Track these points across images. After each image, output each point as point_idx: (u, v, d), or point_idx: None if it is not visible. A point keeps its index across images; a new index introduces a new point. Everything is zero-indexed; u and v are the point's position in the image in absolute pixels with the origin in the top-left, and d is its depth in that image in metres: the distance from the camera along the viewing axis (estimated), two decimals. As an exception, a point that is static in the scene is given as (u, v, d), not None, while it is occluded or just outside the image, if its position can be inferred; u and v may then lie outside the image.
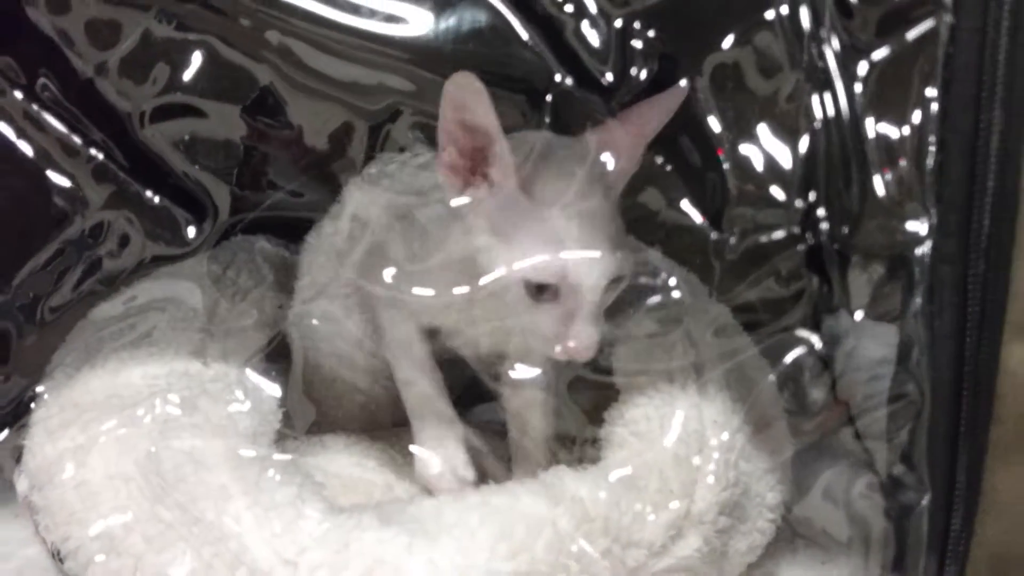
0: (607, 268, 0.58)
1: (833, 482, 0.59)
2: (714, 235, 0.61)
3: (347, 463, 0.71)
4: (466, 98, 0.57)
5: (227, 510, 0.56)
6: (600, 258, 0.58)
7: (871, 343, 0.63)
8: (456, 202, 0.61)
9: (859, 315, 0.57)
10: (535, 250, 0.58)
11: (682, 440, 0.61)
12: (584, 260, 0.58)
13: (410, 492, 0.68)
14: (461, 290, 0.63)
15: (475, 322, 0.67)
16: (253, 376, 0.68)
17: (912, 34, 0.53)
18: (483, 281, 0.60)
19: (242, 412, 0.64)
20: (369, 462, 0.71)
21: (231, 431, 0.61)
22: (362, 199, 0.71)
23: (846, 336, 0.64)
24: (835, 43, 0.56)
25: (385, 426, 0.75)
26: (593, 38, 0.63)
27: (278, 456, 0.62)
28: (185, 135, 0.72)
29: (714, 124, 0.61)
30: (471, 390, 0.72)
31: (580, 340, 0.58)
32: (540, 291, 0.59)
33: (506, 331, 0.66)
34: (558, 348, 0.58)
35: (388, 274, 0.67)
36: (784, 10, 0.58)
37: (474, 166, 0.60)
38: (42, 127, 0.70)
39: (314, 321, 0.73)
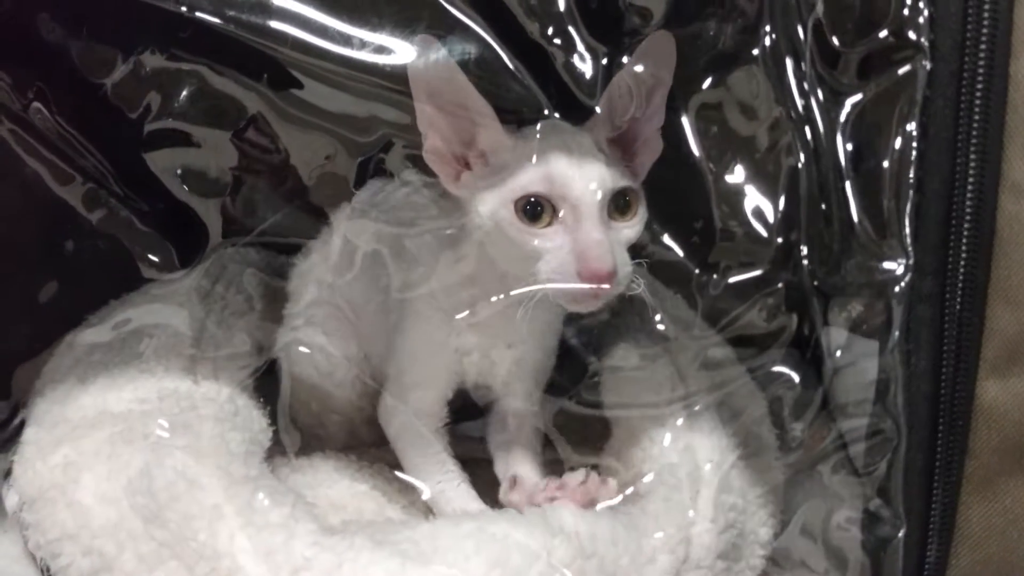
0: (598, 174, 0.57)
1: (811, 515, 0.60)
2: (697, 271, 0.62)
3: (338, 484, 0.71)
4: (438, 81, 0.58)
5: (220, 530, 0.56)
6: (588, 165, 0.57)
7: (858, 366, 0.62)
8: (453, 189, 0.61)
9: (838, 354, 0.58)
10: (523, 175, 0.58)
11: (677, 486, 0.60)
12: (572, 166, 0.57)
13: (401, 514, 0.68)
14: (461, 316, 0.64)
15: (468, 351, 0.67)
16: (243, 396, 0.68)
17: (892, 77, 0.54)
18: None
19: (234, 432, 0.64)
20: (360, 484, 0.71)
21: (223, 450, 0.61)
22: (352, 227, 0.71)
23: (836, 353, 0.64)
24: (817, 84, 0.57)
25: (368, 444, 0.75)
26: (584, 70, 0.64)
27: (269, 477, 0.62)
28: (177, 165, 0.72)
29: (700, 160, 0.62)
30: (459, 408, 0.72)
31: (591, 252, 0.55)
32: (536, 216, 0.57)
33: (492, 361, 0.67)
34: (575, 272, 0.56)
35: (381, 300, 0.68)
36: (767, 51, 0.59)
37: (462, 154, 0.60)
38: (35, 152, 0.70)
39: (301, 348, 0.73)
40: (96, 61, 0.69)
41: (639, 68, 0.58)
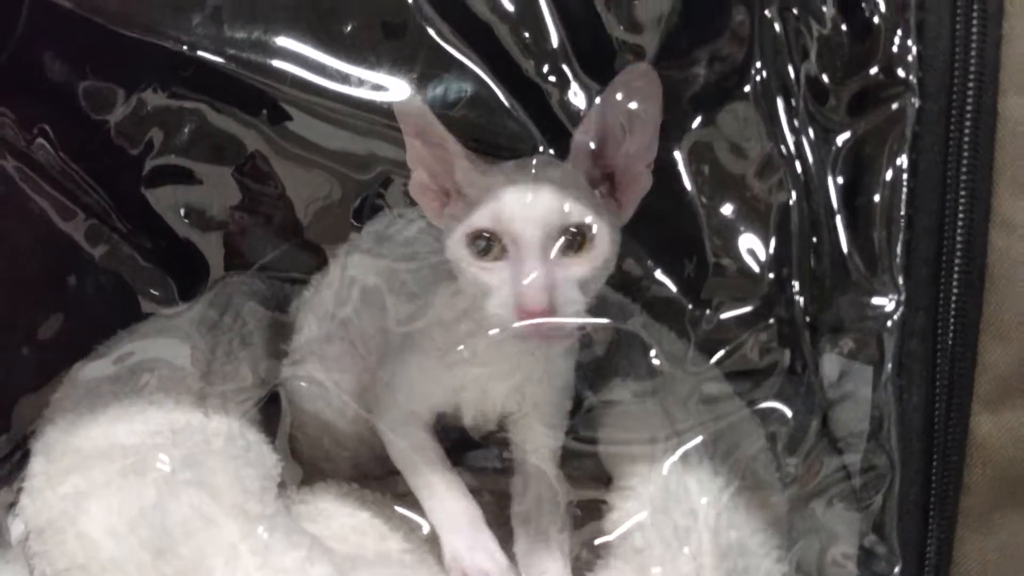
0: (545, 210, 0.56)
1: (805, 553, 0.60)
2: (690, 306, 0.62)
3: (340, 514, 0.70)
4: (416, 117, 0.59)
5: (236, 570, 0.56)
6: (536, 198, 0.57)
7: (856, 393, 0.62)
8: (436, 222, 0.62)
9: (830, 391, 0.58)
10: (478, 210, 0.58)
11: (675, 530, 0.60)
12: (518, 200, 0.57)
13: (403, 545, 0.68)
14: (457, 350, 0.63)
15: (464, 387, 0.67)
16: (253, 431, 0.68)
17: (882, 114, 0.54)
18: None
19: (248, 468, 0.63)
20: (362, 513, 0.70)
21: (238, 488, 0.61)
22: (358, 261, 0.72)
23: (837, 382, 0.64)
24: (808, 121, 0.58)
25: (375, 476, 0.75)
26: (579, 105, 0.64)
27: (284, 516, 0.62)
28: (179, 201, 0.73)
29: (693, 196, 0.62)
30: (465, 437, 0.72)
31: (525, 289, 0.55)
32: (486, 251, 0.57)
33: (489, 397, 0.67)
34: (513, 308, 0.56)
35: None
36: (758, 88, 0.59)
37: (447, 190, 0.61)
38: (39, 188, 0.71)
39: (302, 383, 0.73)
40: (99, 98, 0.70)
41: (623, 101, 0.58)
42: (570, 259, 0.57)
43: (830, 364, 0.58)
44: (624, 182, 0.60)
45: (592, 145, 0.59)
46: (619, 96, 0.58)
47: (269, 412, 0.73)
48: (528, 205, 0.56)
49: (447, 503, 0.65)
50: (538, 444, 0.68)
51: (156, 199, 0.73)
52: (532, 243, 0.56)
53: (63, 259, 0.73)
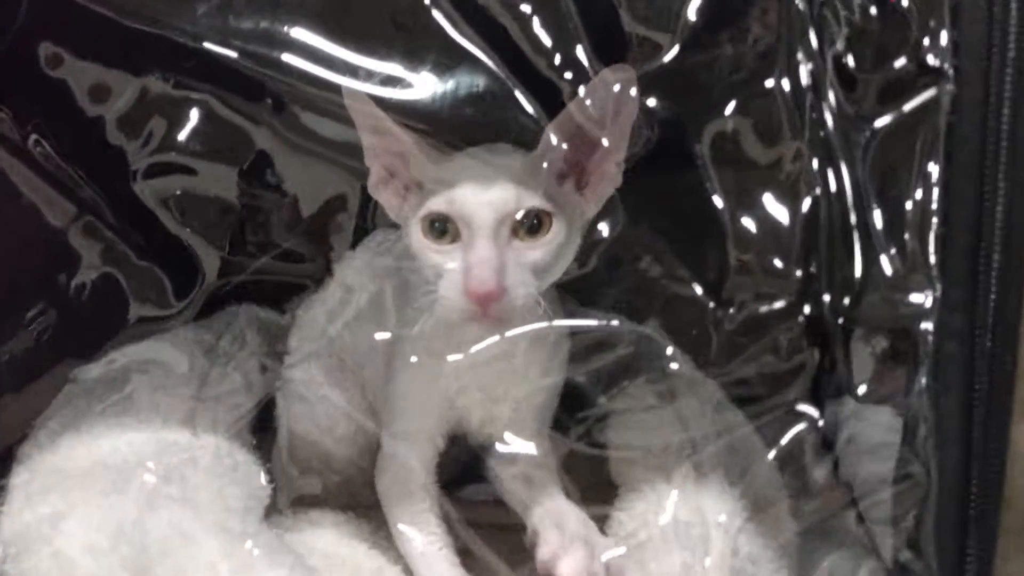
0: (499, 194, 0.57)
1: (836, 569, 0.57)
2: (712, 305, 0.60)
3: (336, 541, 0.69)
4: (365, 109, 0.60)
5: None
6: (490, 182, 0.58)
7: (870, 428, 0.61)
8: (396, 219, 0.63)
9: (862, 389, 0.56)
10: (434, 197, 0.59)
11: (689, 546, 0.59)
12: (473, 186, 0.58)
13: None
14: (454, 357, 0.62)
15: (464, 392, 0.66)
16: (243, 452, 0.67)
17: (914, 103, 0.53)
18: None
19: (233, 486, 0.63)
20: (359, 543, 0.69)
21: (220, 506, 0.60)
22: (353, 271, 0.72)
23: (846, 422, 0.63)
24: (836, 112, 0.56)
25: (367, 506, 0.72)
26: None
27: (268, 535, 0.61)
28: (176, 192, 0.72)
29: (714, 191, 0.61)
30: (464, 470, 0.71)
31: (473, 270, 0.56)
32: (440, 234, 0.59)
33: (493, 402, 0.66)
34: (461, 289, 0.56)
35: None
36: (785, 78, 0.58)
37: (406, 183, 0.62)
38: (33, 185, 0.70)
39: (301, 403, 0.72)
40: (99, 90, 0.69)
41: (599, 99, 0.59)
42: (523, 243, 0.58)
43: (860, 365, 0.55)
44: (593, 178, 0.61)
45: (564, 139, 0.60)
46: (596, 93, 0.59)
47: (265, 439, 0.72)
48: (481, 188, 0.58)
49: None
50: (526, 444, 0.67)
51: (152, 193, 0.72)
52: (483, 225, 0.57)
53: (55, 257, 0.72)
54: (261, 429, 0.72)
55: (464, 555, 0.65)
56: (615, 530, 0.63)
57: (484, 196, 0.57)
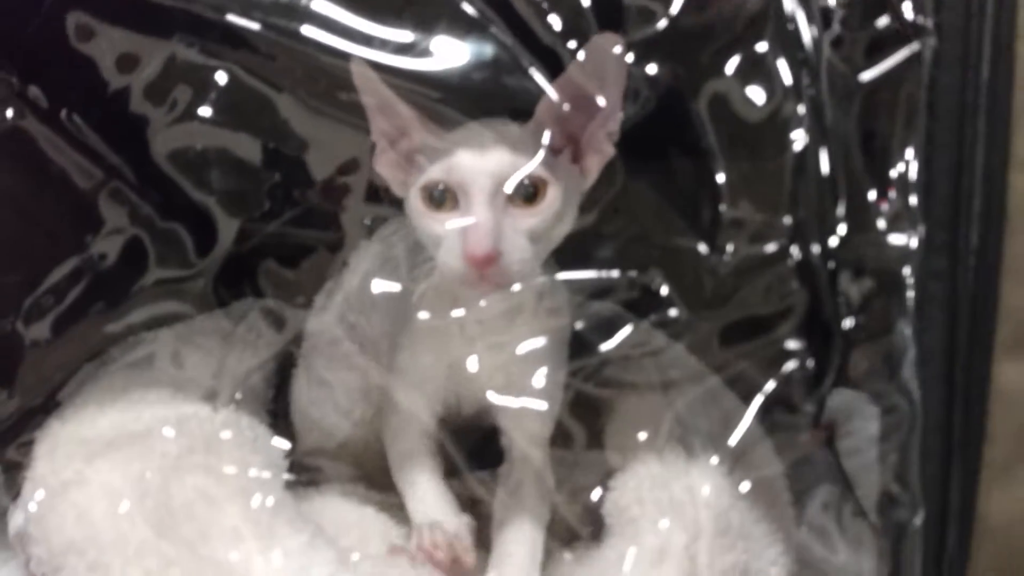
0: (496, 161, 0.58)
1: (826, 498, 0.58)
2: (704, 249, 0.62)
3: (344, 507, 0.70)
4: (369, 82, 0.61)
5: (238, 552, 0.56)
6: (487, 150, 0.59)
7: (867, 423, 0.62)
8: (398, 192, 0.63)
9: (849, 322, 0.57)
10: (433, 167, 0.60)
11: (679, 527, 0.60)
12: (471, 154, 0.59)
13: (406, 538, 0.67)
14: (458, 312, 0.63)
15: (466, 355, 0.66)
16: (262, 427, 0.68)
17: (898, 58, 0.55)
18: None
19: (254, 455, 0.64)
20: (367, 507, 0.70)
21: (243, 474, 0.61)
22: (375, 254, 0.73)
23: (846, 420, 0.64)
24: (825, 66, 0.58)
25: (378, 478, 0.74)
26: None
27: (289, 503, 0.62)
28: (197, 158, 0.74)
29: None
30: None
31: (471, 235, 0.57)
32: (439, 202, 0.60)
33: (491, 367, 0.67)
34: (459, 254, 0.57)
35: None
36: (775, 36, 0.60)
37: (409, 157, 0.63)
38: (61, 151, 0.72)
39: (319, 385, 0.74)
40: (126, 57, 0.71)
41: (590, 69, 0.60)
42: (520, 209, 0.59)
43: (847, 300, 0.57)
44: (587, 149, 0.62)
45: (564, 100, 0.61)
46: (586, 64, 0.59)
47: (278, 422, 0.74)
48: (478, 156, 0.59)
49: (427, 499, 0.67)
50: (526, 428, 0.68)
51: (173, 159, 0.74)
52: (481, 192, 0.58)
53: (83, 219, 0.74)
54: (278, 416, 0.75)
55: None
56: (608, 507, 0.64)
57: (480, 162, 0.58)
